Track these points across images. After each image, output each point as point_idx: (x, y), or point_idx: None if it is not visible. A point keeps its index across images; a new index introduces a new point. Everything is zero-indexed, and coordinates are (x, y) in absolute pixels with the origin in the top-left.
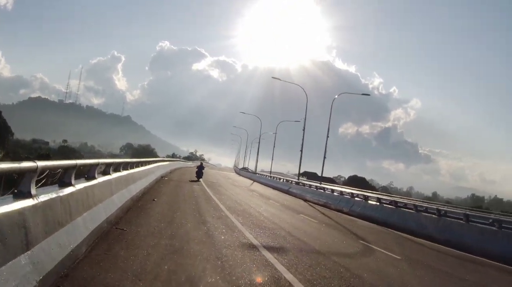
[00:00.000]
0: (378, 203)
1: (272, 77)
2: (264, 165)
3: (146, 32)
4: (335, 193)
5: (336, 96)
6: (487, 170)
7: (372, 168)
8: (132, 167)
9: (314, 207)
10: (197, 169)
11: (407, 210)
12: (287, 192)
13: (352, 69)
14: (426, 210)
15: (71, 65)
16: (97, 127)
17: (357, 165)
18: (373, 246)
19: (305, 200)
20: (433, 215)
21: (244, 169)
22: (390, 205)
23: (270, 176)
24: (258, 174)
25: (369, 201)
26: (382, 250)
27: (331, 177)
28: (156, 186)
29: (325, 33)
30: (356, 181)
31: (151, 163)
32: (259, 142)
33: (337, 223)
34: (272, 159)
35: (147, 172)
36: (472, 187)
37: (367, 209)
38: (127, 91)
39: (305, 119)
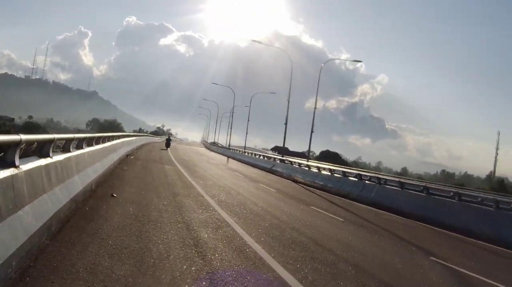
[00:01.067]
0: (399, 188)
1: (252, 40)
2: (232, 140)
3: (113, 7)
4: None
5: (322, 65)
6: (454, 147)
7: (339, 143)
8: (90, 145)
9: (315, 193)
10: (166, 142)
11: (450, 200)
12: (270, 171)
13: (319, 44)
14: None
15: (38, 41)
16: (64, 103)
17: (324, 140)
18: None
19: (296, 181)
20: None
21: (214, 143)
22: (420, 192)
23: (246, 152)
24: (232, 149)
25: (387, 185)
26: None
27: (301, 151)
28: (119, 169)
29: (292, 7)
30: (328, 156)
31: (114, 139)
32: (232, 115)
33: (377, 226)
34: (247, 134)
35: (107, 150)
36: (439, 162)
37: (387, 196)
38: (94, 67)
39: (290, 89)
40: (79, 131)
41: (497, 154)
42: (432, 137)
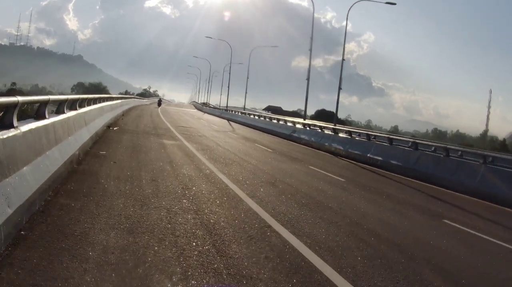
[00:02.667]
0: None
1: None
2: (219, 101)
3: None
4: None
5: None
6: (441, 105)
7: (326, 101)
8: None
9: (377, 173)
10: (158, 102)
11: None
12: (292, 138)
13: (304, 3)
14: None
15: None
16: (48, 68)
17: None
18: None
19: (334, 154)
20: None
21: (205, 104)
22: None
23: (249, 114)
24: (230, 111)
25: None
26: None
27: (294, 110)
28: (94, 151)
29: None
30: (324, 115)
31: (92, 103)
32: (230, 70)
33: None
34: (246, 93)
35: (77, 123)
36: (426, 120)
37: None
38: (78, 31)
39: (310, 49)
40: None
41: (489, 113)
42: (419, 95)
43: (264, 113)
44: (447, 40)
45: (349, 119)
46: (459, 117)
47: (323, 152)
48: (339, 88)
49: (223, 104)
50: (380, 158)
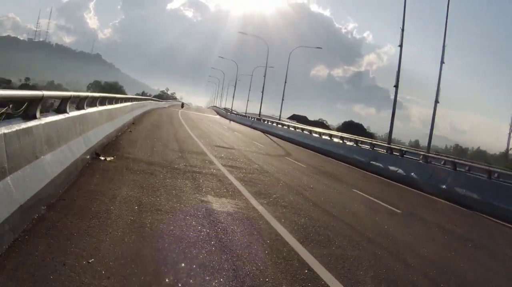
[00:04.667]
0: None
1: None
2: (235, 106)
3: None
4: None
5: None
6: (458, 120)
7: (343, 111)
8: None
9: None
10: (181, 105)
11: None
12: (375, 170)
13: (327, 12)
14: None
15: (44, 4)
16: (66, 65)
17: (329, 108)
18: None
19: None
20: None
21: (226, 110)
22: None
23: (288, 126)
24: (263, 120)
25: None
26: None
27: (316, 120)
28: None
29: None
30: (353, 128)
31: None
32: (265, 72)
33: None
34: (283, 100)
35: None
36: (442, 135)
37: None
38: (98, 30)
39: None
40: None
41: (511, 130)
42: (436, 109)
43: (288, 121)
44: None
45: (369, 131)
46: (475, 133)
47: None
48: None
49: (239, 109)
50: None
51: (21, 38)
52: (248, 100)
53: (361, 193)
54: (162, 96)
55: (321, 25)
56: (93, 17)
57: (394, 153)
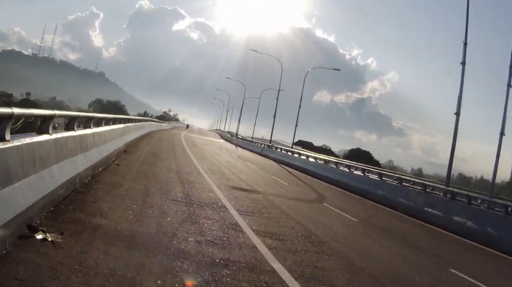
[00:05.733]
0: None
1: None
2: (234, 128)
3: None
4: None
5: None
6: (458, 148)
7: (344, 137)
8: None
9: None
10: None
11: None
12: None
13: (331, 38)
14: None
15: (49, 20)
16: (69, 82)
17: (330, 134)
18: None
19: None
20: None
21: (230, 134)
22: None
23: (307, 156)
24: (274, 147)
25: None
26: None
27: (320, 146)
28: None
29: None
30: (359, 156)
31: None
32: (278, 94)
33: None
34: (296, 126)
35: None
36: (443, 163)
37: None
38: (103, 48)
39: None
40: (81, 112)
41: None
42: (437, 137)
43: (294, 148)
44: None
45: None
46: (476, 161)
47: None
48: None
49: (242, 133)
50: None
51: (26, 53)
52: (255, 125)
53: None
54: (164, 117)
55: (325, 51)
56: (98, 35)
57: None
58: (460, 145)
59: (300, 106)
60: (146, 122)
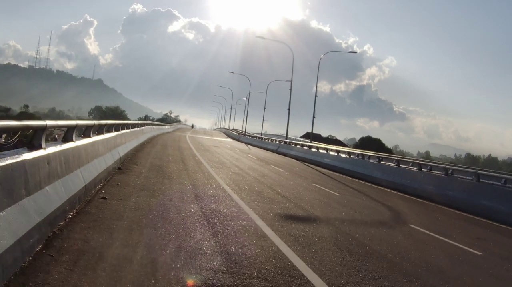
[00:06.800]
0: None
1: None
2: (237, 126)
3: None
4: None
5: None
6: (461, 128)
7: (347, 126)
8: None
9: None
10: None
11: None
12: None
13: (326, 28)
14: None
15: (44, 31)
16: (67, 92)
17: (332, 123)
18: None
19: None
20: None
21: (236, 132)
22: None
23: (337, 151)
24: (291, 143)
25: None
26: None
27: (326, 137)
28: None
29: None
30: (371, 144)
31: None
32: (291, 86)
33: None
34: (314, 117)
35: None
36: (447, 144)
37: None
38: (99, 55)
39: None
40: (81, 120)
41: None
42: (439, 119)
43: (302, 140)
44: (472, 60)
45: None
46: (479, 140)
47: None
48: None
49: (248, 129)
50: None
51: (22, 66)
52: (263, 120)
53: None
54: (165, 119)
55: (321, 41)
56: (93, 43)
57: None
58: (462, 125)
59: (316, 95)
60: (147, 127)
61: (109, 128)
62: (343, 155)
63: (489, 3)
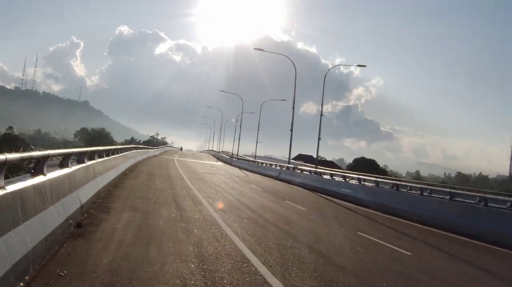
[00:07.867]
0: None
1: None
2: (228, 148)
3: (105, 16)
4: None
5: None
6: (448, 146)
7: (334, 146)
8: None
9: None
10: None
11: None
12: None
13: (313, 49)
14: None
15: (31, 53)
16: (54, 113)
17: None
18: None
19: None
20: None
21: (227, 154)
22: None
23: (359, 179)
24: (297, 168)
25: None
26: None
27: (325, 158)
28: None
29: (284, 12)
30: (366, 165)
31: None
32: (293, 103)
33: None
34: (319, 139)
35: None
36: (434, 163)
37: None
38: (86, 77)
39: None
40: (67, 143)
41: None
42: (426, 138)
43: (298, 163)
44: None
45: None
46: (466, 157)
47: None
48: None
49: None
50: None
51: (8, 87)
52: (257, 142)
53: None
54: (152, 142)
55: (308, 61)
56: (80, 65)
57: None
58: (448, 144)
59: (321, 115)
60: (130, 152)
61: (65, 161)
62: (367, 184)
63: (474, 21)
